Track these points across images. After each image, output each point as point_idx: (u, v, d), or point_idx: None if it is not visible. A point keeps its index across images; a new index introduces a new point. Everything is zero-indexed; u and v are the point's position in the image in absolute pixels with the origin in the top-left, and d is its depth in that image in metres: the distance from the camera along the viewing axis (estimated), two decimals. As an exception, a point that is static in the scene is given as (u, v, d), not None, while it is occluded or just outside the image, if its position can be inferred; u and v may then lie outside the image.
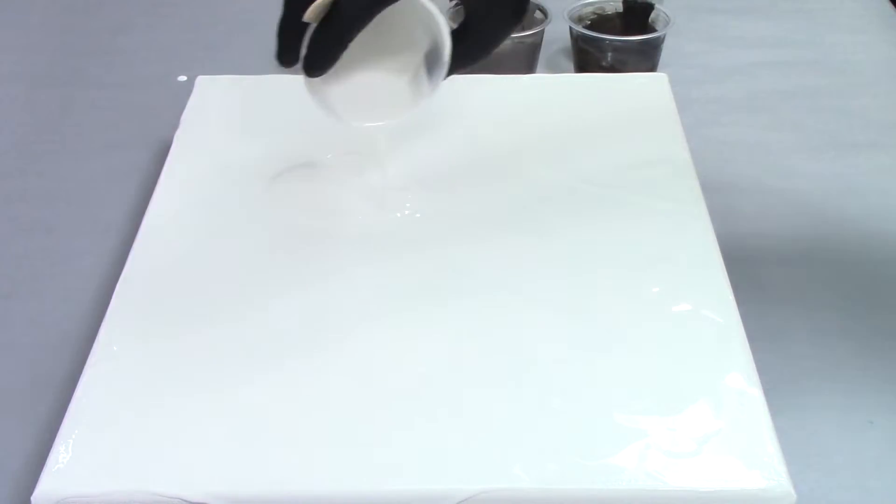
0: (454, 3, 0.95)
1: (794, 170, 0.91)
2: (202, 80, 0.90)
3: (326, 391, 0.63)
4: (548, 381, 0.63)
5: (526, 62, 1.01)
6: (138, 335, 0.67)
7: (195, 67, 0.97)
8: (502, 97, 0.88)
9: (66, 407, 0.62)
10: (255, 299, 0.69)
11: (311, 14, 0.67)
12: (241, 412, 0.62)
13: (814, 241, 0.83)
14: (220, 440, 0.60)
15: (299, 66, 0.71)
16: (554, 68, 1.05)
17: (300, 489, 0.58)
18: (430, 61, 0.71)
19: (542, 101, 0.88)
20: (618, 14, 1.02)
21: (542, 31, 1.00)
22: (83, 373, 0.64)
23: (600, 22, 1.01)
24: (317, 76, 0.70)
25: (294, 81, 0.91)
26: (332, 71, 0.69)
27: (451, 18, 0.94)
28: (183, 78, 1.02)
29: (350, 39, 0.67)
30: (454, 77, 0.93)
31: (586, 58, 0.99)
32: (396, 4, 0.67)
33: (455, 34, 0.70)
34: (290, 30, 0.69)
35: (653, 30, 1.00)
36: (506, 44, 0.97)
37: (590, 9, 1.02)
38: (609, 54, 0.98)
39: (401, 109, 0.73)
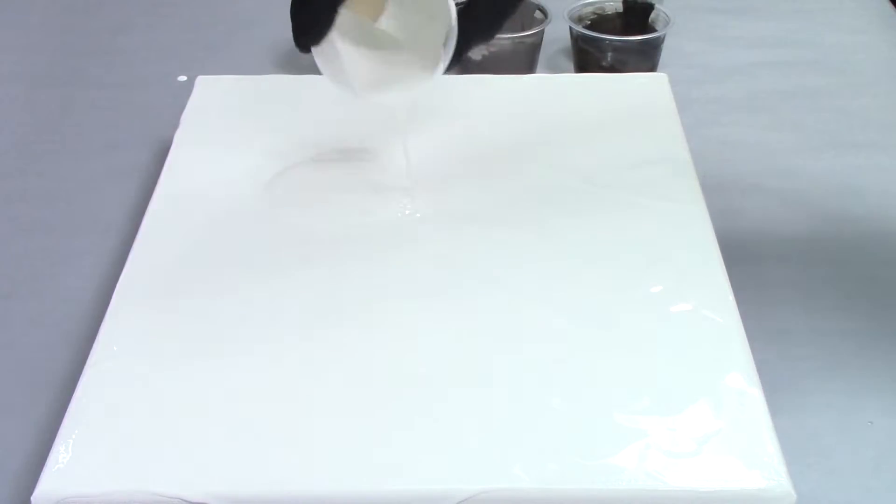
0: None
1: (794, 170, 0.91)
2: (202, 80, 0.90)
3: (326, 391, 0.63)
4: (548, 381, 0.63)
5: (526, 62, 1.01)
6: (138, 335, 0.67)
7: (195, 67, 0.97)
8: (502, 97, 0.88)
9: (66, 407, 0.62)
10: (255, 299, 0.69)
11: None
12: (241, 412, 0.62)
13: (814, 241, 0.83)
14: (220, 440, 0.60)
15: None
16: (554, 68, 1.05)
17: (300, 489, 0.58)
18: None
19: (542, 101, 0.88)
20: (618, 14, 1.02)
21: (542, 31, 1.00)
22: (83, 373, 0.64)
23: (600, 22, 1.01)
24: (308, 46, 0.69)
25: (294, 81, 0.92)
26: (346, 43, 0.69)
27: None
28: (183, 78, 1.02)
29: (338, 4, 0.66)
30: (454, 77, 0.94)
31: (586, 58, 0.99)
32: None
33: (463, 11, 0.70)
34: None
35: (653, 30, 1.00)
36: (506, 44, 0.98)
37: (590, 9, 1.02)
38: (609, 54, 0.98)
39: (413, 83, 0.72)
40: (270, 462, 0.59)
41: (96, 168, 0.92)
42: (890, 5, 1.16)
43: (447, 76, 0.97)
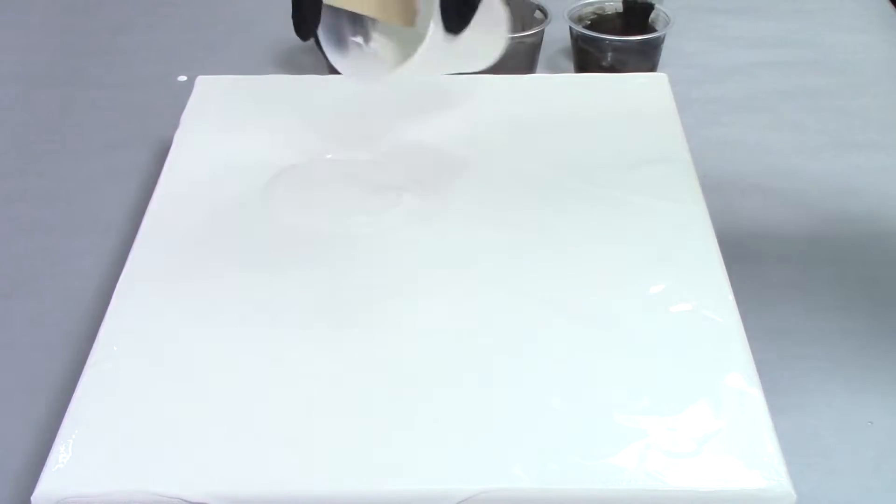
0: None
1: (794, 170, 0.91)
2: (202, 80, 0.90)
3: (326, 391, 0.63)
4: (548, 381, 0.63)
5: (526, 62, 1.01)
6: (138, 335, 0.67)
7: (195, 67, 0.97)
8: (502, 97, 0.88)
9: (66, 407, 0.62)
10: (255, 299, 0.69)
11: None
12: (241, 412, 0.62)
13: (814, 241, 0.83)
14: (220, 440, 0.60)
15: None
16: (554, 68, 1.05)
17: (300, 489, 0.58)
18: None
19: (542, 101, 0.88)
20: (618, 14, 1.02)
21: (542, 31, 1.00)
22: (83, 373, 0.64)
23: (600, 22, 1.01)
24: (306, 38, 0.72)
25: (294, 81, 0.92)
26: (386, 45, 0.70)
27: None
28: (183, 78, 1.02)
29: None
30: (454, 77, 0.94)
31: (586, 58, 0.99)
32: None
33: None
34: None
35: (653, 30, 1.00)
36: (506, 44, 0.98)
37: (590, 9, 1.02)
38: (609, 54, 0.98)
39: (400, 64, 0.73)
40: (270, 462, 0.59)
41: (96, 168, 0.92)
42: (890, 5, 1.16)
43: (447, 76, 0.97)
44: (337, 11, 0.73)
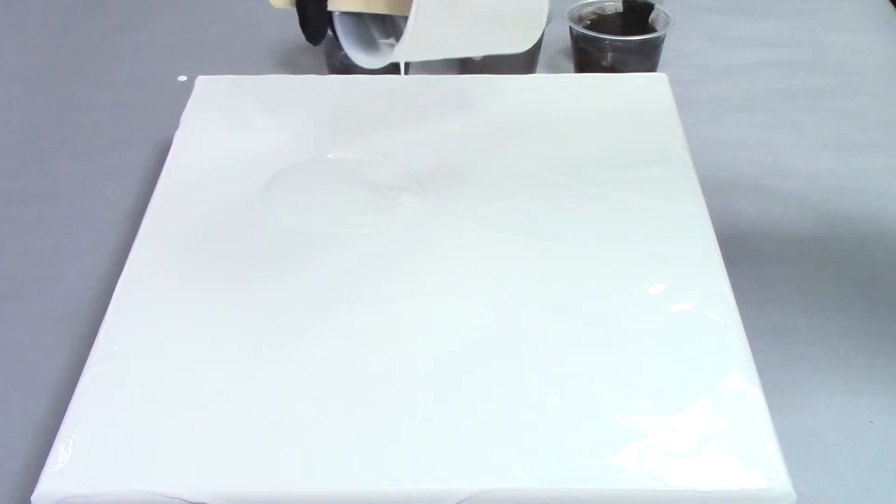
0: None
1: (794, 170, 0.91)
2: (202, 80, 0.90)
3: (326, 391, 0.63)
4: (548, 381, 0.63)
5: (526, 62, 1.01)
6: (138, 335, 0.67)
7: (195, 67, 0.97)
8: (502, 97, 0.88)
9: (66, 407, 0.62)
10: (255, 299, 0.69)
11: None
12: (241, 412, 0.62)
13: (814, 241, 0.83)
14: (220, 440, 0.60)
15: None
16: (554, 68, 1.05)
17: (300, 489, 0.58)
18: None
19: (542, 101, 0.88)
20: (618, 14, 1.02)
21: (543, 31, 1.00)
22: (83, 373, 0.64)
23: (600, 22, 1.01)
24: (318, 41, 0.72)
25: (294, 81, 0.92)
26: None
27: None
28: (183, 78, 1.02)
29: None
30: (454, 77, 0.94)
31: (586, 58, 0.99)
32: None
33: None
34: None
35: (653, 30, 1.00)
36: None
37: (590, 9, 1.02)
38: (609, 54, 0.98)
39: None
40: (270, 462, 0.59)
41: (96, 168, 0.92)
42: (890, 5, 1.16)
43: (447, 76, 0.97)
44: (359, 16, 0.73)
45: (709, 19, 1.13)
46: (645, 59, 0.99)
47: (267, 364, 0.65)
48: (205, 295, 0.70)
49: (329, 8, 0.70)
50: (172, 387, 0.63)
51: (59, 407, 0.63)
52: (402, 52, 0.69)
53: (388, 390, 0.63)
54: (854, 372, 0.72)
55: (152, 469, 0.58)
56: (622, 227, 0.75)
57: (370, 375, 0.64)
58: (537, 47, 1.01)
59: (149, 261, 0.72)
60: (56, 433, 0.60)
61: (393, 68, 0.96)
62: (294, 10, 0.71)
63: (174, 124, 0.85)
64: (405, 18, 0.67)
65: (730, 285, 0.70)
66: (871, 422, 0.69)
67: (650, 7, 1.01)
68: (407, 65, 0.99)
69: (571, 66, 1.03)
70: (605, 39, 0.98)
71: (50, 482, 0.58)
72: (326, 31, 0.72)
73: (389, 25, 0.74)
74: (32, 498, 0.57)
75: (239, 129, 0.85)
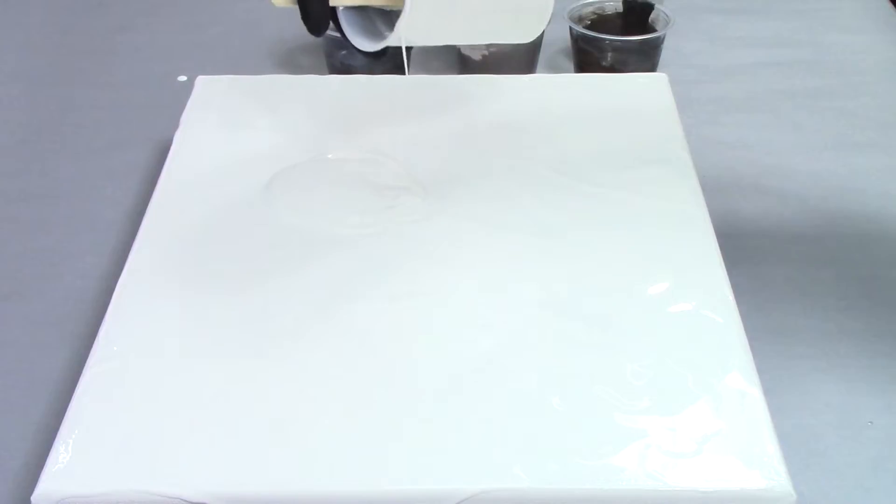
0: None
1: (794, 170, 0.91)
2: (202, 80, 0.90)
3: (326, 391, 0.63)
4: (548, 381, 0.63)
5: (526, 62, 1.01)
6: (138, 335, 0.67)
7: (195, 67, 0.97)
8: (502, 97, 0.88)
9: (66, 407, 0.62)
10: (255, 299, 0.69)
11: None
12: (241, 412, 0.62)
13: (814, 241, 0.83)
14: (220, 440, 0.60)
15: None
16: (554, 68, 1.05)
17: (300, 489, 0.58)
18: None
19: (542, 101, 0.88)
20: (618, 14, 1.02)
21: (542, 31, 1.00)
22: (83, 373, 0.64)
23: (600, 22, 1.01)
24: (320, 32, 0.71)
25: (294, 81, 0.92)
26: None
27: None
28: (183, 78, 1.02)
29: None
30: (454, 77, 0.94)
31: (586, 58, 0.99)
32: None
33: None
34: None
35: (653, 30, 1.00)
36: (506, 44, 0.98)
37: (590, 9, 1.02)
38: (609, 54, 0.98)
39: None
40: (270, 462, 0.59)
41: (96, 168, 0.92)
42: (890, 5, 1.16)
43: (447, 76, 0.97)
44: (364, 10, 0.73)
45: (709, 19, 1.13)
46: (645, 59, 0.99)
47: (267, 364, 0.65)
48: (205, 295, 0.70)
49: (332, 3, 0.70)
50: (172, 387, 0.63)
51: (59, 407, 0.63)
52: (399, 33, 0.68)
53: (388, 390, 0.63)
54: (854, 372, 0.72)
55: (152, 469, 0.58)
56: (622, 227, 0.75)
57: (370, 375, 0.64)
58: (537, 47, 1.01)
59: (149, 261, 0.72)
60: (56, 433, 0.60)
61: (393, 68, 0.97)
62: (295, 7, 0.71)
63: (174, 124, 0.85)
64: None
65: (730, 285, 0.70)
66: (871, 422, 0.69)
67: (650, 7, 1.01)
68: (407, 62, 0.99)
69: (571, 66, 1.03)
70: (605, 39, 0.98)
71: (50, 482, 0.58)
72: (328, 23, 0.71)
73: (396, 19, 0.74)
74: (32, 498, 0.57)
75: (239, 129, 0.85)
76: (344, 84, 0.91)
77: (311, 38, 1.02)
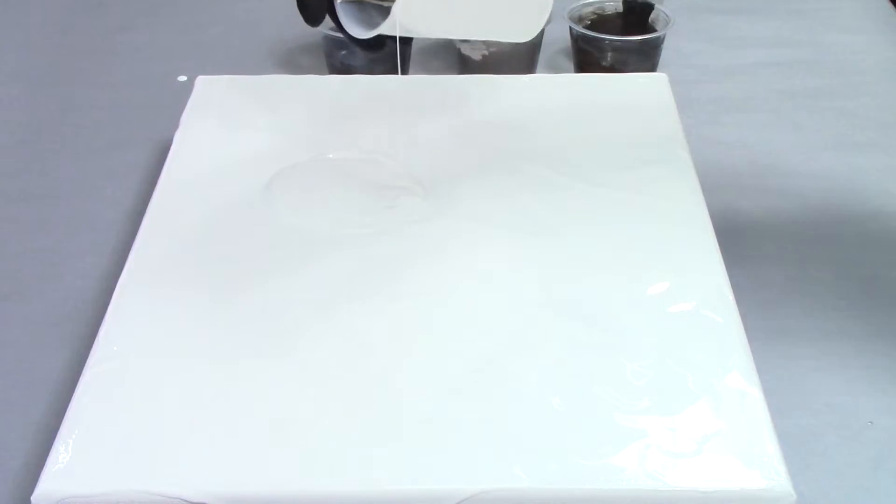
0: None
1: (794, 170, 0.91)
2: (202, 80, 0.90)
3: (326, 391, 0.63)
4: (548, 381, 0.63)
5: (526, 62, 1.01)
6: (138, 335, 0.67)
7: (195, 67, 0.97)
8: (502, 97, 0.88)
9: (66, 407, 0.62)
10: (255, 299, 0.69)
11: None
12: (241, 412, 0.62)
13: (814, 241, 0.83)
14: (220, 440, 0.60)
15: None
16: (554, 68, 1.05)
17: (300, 489, 0.58)
18: None
19: (542, 101, 0.88)
20: (618, 14, 1.02)
21: (543, 31, 1.00)
22: (83, 373, 0.64)
23: (600, 22, 1.01)
24: (316, 22, 0.72)
25: (294, 81, 0.92)
26: None
27: None
28: (183, 78, 1.02)
29: None
30: (454, 77, 0.94)
31: (586, 58, 0.99)
32: None
33: None
34: None
35: (653, 30, 1.00)
36: (506, 44, 0.98)
37: (590, 9, 1.02)
38: (609, 54, 0.98)
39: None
40: (270, 462, 0.59)
41: (96, 168, 0.92)
42: (890, 5, 1.16)
43: (447, 76, 0.97)
44: (362, 4, 0.72)
45: (709, 19, 1.13)
46: (645, 59, 0.99)
47: (267, 364, 0.65)
48: (205, 295, 0.70)
49: None
50: (172, 387, 0.63)
51: (59, 407, 0.63)
52: (394, 18, 0.68)
53: (388, 390, 0.63)
54: (854, 372, 0.72)
55: (152, 469, 0.58)
56: (622, 227, 0.75)
57: (370, 375, 0.64)
58: (537, 47, 1.01)
59: (149, 261, 0.72)
60: (56, 433, 0.60)
61: (392, 68, 0.97)
62: None
63: (174, 124, 0.85)
64: None
65: (730, 285, 0.70)
66: (871, 422, 0.69)
67: (650, 7, 1.01)
68: (407, 62, 0.99)
69: (571, 66, 1.03)
70: (605, 39, 0.98)
71: (50, 482, 0.58)
72: (325, 14, 0.71)
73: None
74: (32, 498, 0.57)
75: (239, 129, 0.85)
76: (344, 84, 0.91)
77: (311, 38, 1.02)
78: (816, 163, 0.92)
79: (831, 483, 0.65)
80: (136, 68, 1.06)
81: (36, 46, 1.10)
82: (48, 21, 1.15)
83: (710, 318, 0.67)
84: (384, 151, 0.81)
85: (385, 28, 0.68)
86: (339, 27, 0.72)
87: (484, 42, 0.98)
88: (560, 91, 0.89)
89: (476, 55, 0.99)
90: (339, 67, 0.98)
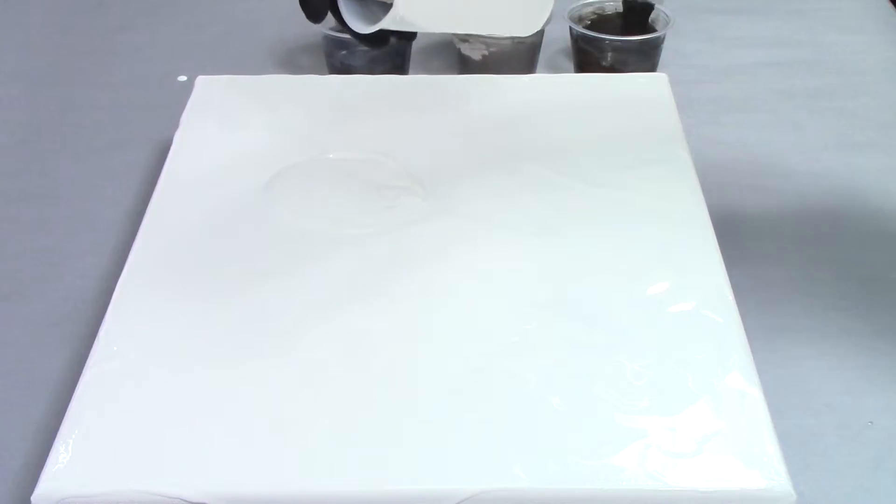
0: None
1: (794, 170, 0.91)
2: (202, 80, 0.90)
3: (326, 391, 0.63)
4: (548, 381, 0.63)
5: (526, 62, 1.01)
6: (138, 335, 0.67)
7: (195, 67, 0.97)
8: (502, 97, 0.88)
9: (66, 407, 0.62)
10: (255, 299, 0.69)
11: None
12: (241, 412, 0.62)
13: (814, 241, 0.83)
14: (220, 440, 0.60)
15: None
16: (554, 68, 1.05)
17: (300, 489, 0.58)
18: None
19: (542, 101, 0.88)
20: (618, 14, 1.02)
21: (542, 31, 1.00)
22: (83, 373, 0.64)
23: (600, 22, 1.01)
24: (318, 19, 0.72)
25: (294, 81, 0.92)
26: None
27: None
28: (183, 78, 1.02)
29: None
30: (454, 77, 0.94)
31: (586, 58, 0.99)
32: None
33: None
34: None
35: (653, 30, 1.00)
36: (506, 44, 0.98)
37: (590, 9, 1.02)
38: (609, 54, 0.98)
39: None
40: (270, 462, 0.59)
41: (96, 168, 0.92)
42: (890, 5, 1.16)
43: (447, 76, 0.97)
44: (364, 1, 0.72)
45: (709, 19, 1.13)
46: (645, 59, 0.99)
47: (267, 364, 0.65)
48: (205, 295, 0.70)
49: None
50: (172, 386, 0.63)
51: (59, 407, 0.63)
52: (396, 11, 0.68)
53: (389, 390, 0.63)
54: (854, 372, 0.72)
55: (152, 469, 0.58)
56: (622, 227, 0.75)
57: (370, 375, 0.64)
58: (537, 47, 1.01)
59: (149, 261, 0.72)
60: (56, 433, 0.60)
61: (392, 68, 0.97)
62: None
63: (174, 124, 0.85)
64: None
65: (730, 285, 0.70)
66: (871, 422, 0.69)
67: (650, 7, 1.01)
68: (407, 62, 0.99)
69: (571, 66, 1.03)
70: (605, 39, 0.98)
71: (50, 482, 0.58)
72: (327, 10, 0.71)
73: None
74: (32, 498, 0.57)
75: (239, 129, 0.85)
76: (344, 84, 0.91)
77: (311, 38, 1.02)
78: (816, 163, 0.92)
79: (831, 483, 0.65)
80: (136, 68, 1.06)
81: (36, 46, 1.10)
82: (48, 21, 1.15)
83: (710, 318, 0.67)
84: (384, 151, 0.81)
85: (387, 22, 0.68)
86: (341, 22, 0.72)
87: (484, 42, 0.98)
88: (560, 91, 0.89)
89: (476, 55, 0.99)
90: (339, 67, 0.98)
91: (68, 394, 0.63)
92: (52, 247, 0.83)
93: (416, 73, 1.01)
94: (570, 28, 0.99)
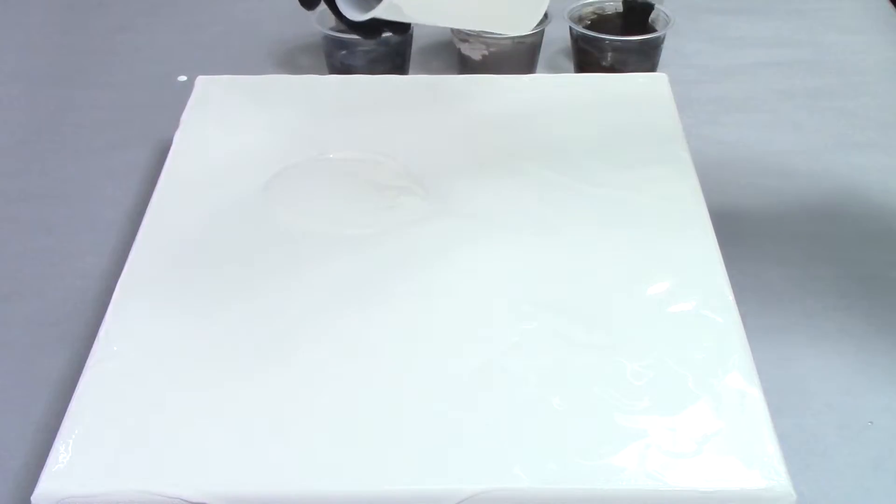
0: None
1: (794, 170, 0.91)
2: (202, 80, 0.90)
3: (326, 391, 0.63)
4: (548, 381, 0.63)
5: (526, 62, 1.01)
6: (138, 335, 0.67)
7: (195, 67, 0.97)
8: (502, 97, 0.88)
9: (66, 407, 0.62)
10: (255, 299, 0.69)
11: None
12: (241, 412, 0.62)
13: (814, 240, 0.83)
14: (220, 440, 0.60)
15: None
16: (554, 68, 1.05)
17: (300, 489, 0.58)
18: None
19: (542, 101, 0.88)
20: (618, 14, 1.02)
21: (542, 31, 1.00)
22: (83, 373, 0.64)
23: (600, 22, 1.01)
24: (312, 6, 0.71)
25: (294, 81, 0.92)
26: None
27: None
28: (183, 78, 1.02)
29: None
30: (454, 77, 0.94)
31: (586, 58, 0.99)
32: None
33: None
34: None
35: (653, 30, 1.00)
36: (506, 44, 0.98)
37: (590, 9, 1.02)
38: (609, 54, 0.98)
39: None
40: (270, 462, 0.59)
41: (96, 168, 0.92)
42: (890, 5, 1.16)
43: (447, 76, 0.97)
44: None
45: (709, 19, 1.13)
46: (645, 59, 0.99)
47: (267, 364, 0.65)
48: (205, 295, 0.70)
49: None
50: (172, 386, 0.63)
51: (59, 407, 0.63)
52: (388, 1, 0.67)
53: (388, 390, 0.63)
54: (854, 372, 0.72)
55: (152, 469, 0.58)
56: (622, 227, 0.75)
57: (370, 375, 0.64)
58: (537, 47, 1.01)
59: (149, 261, 0.72)
60: (56, 433, 0.60)
61: (392, 68, 0.97)
62: None
63: (174, 124, 0.85)
64: None
65: (730, 285, 0.70)
66: (871, 422, 0.69)
67: (650, 7, 1.01)
68: (406, 61, 0.99)
69: (571, 66, 1.03)
70: (605, 39, 0.98)
71: (50, 482, 0.58)
72: None
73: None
74: (32, 498, 0.57)
75: (239, 129, 0.85)
76: (344, 84, 0.91)
77: (311, 38, 1.02)
78: (816, 163, 0.92)
79: (831, 483, 0.65)
80: (136, 68, 1.06)
81: (36, 46, 1.10)
82: (48, 21, 1.15)
83: (710, 318, 0.67)
84: (384, 151, 0.81)
85: (380, 10, 0.68)
86: (334, 10, 0.72)
87: (484, 42, 0.98)
88: (560, 91, 0.89)
89: (476, 55, 0.99)
90: (339, 67, 0.98)
91: (68, 394, 0.63)
92: (52, 247, 0.83)
93: (416, 73, 1.01)
94: (570, 28, 0.99)
